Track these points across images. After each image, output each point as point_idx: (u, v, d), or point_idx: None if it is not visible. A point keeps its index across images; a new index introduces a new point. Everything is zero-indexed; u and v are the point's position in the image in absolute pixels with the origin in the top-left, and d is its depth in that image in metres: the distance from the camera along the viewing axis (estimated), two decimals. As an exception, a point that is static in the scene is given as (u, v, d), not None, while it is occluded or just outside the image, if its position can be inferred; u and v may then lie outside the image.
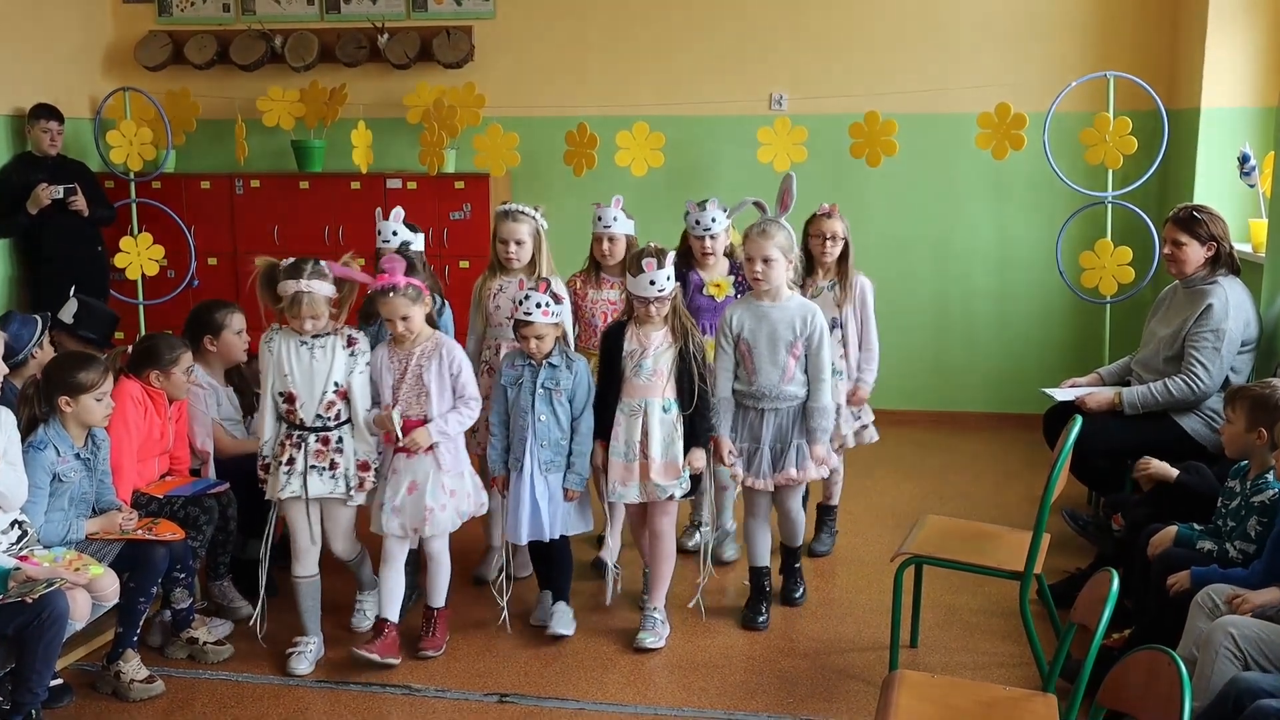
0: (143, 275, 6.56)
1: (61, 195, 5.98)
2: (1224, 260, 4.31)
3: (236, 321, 4.32)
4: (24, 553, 3.33)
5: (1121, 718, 2.48)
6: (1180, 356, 4.29)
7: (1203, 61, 5.81)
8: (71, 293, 4.66)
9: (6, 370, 3.52)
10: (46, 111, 6.12)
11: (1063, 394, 4.63)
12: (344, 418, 3.69)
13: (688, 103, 6.59)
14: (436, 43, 6.71)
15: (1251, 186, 5.27)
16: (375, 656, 3.69)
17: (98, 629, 3.70)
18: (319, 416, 3.65)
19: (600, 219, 4.33)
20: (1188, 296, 4.37)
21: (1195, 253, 4.31)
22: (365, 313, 4.05)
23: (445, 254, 6.34)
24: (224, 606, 4.09)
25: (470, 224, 6.49)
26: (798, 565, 4.27)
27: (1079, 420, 3.42)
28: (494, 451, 3.85)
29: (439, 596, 3.86)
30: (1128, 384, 4.52)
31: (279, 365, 3.64)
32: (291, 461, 3.65)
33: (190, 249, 6.62)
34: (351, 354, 3.68)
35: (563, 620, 3.94)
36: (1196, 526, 3.43)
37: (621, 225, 4.33)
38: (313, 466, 3.65)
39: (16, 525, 3.35)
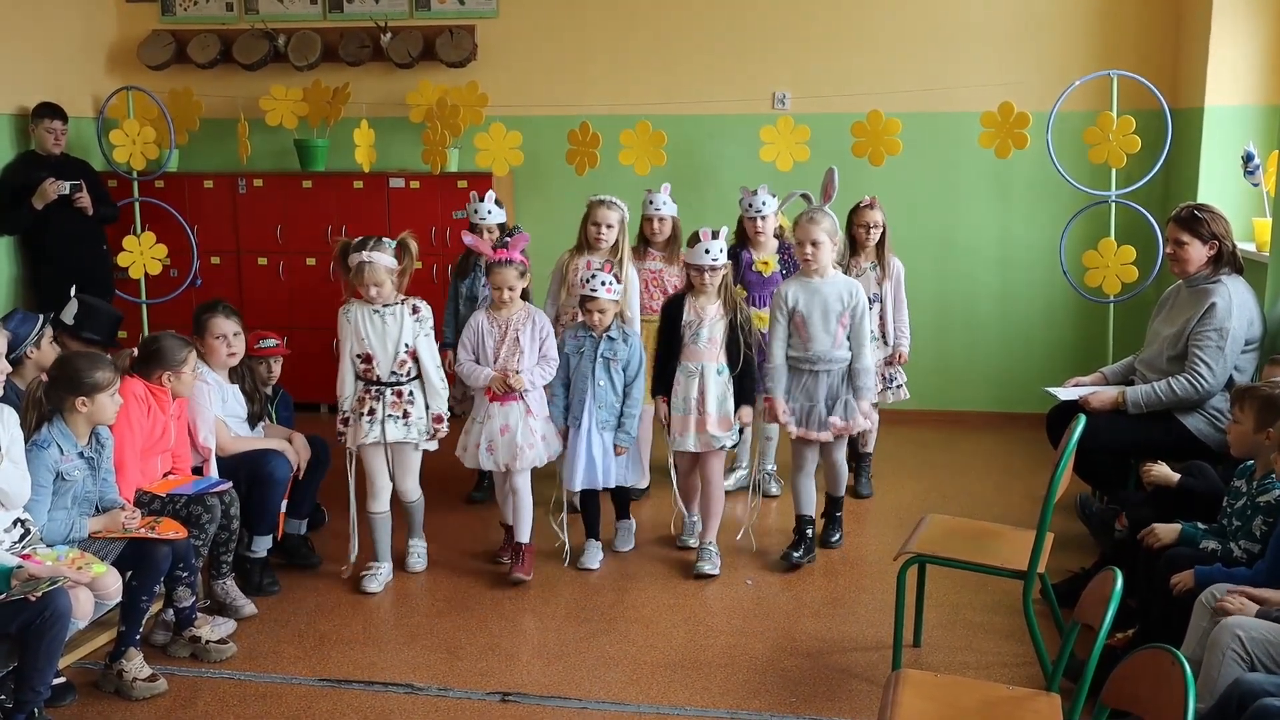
0: (145, 274, 6.57)
1: (68, 191, 5.99)
2: (1227, 259, 4.31)
3: (217, 326, 4.30)
4: (27, 551, 3.33)
5: (1125, 717, 2.48)
6: (1184, 356, 4.28)
7: (1206, 60, 5.81)
8: (72, 293, 4.61)
9: (9, 368, 3.52)
10: (50, 110, 6.13)
11: (1066, 393, 4.62)
12: (414, 374, 4.25)
13: (690, 102, 6.59)
14: (439, 42, 6.72)
15: (1255, 185, 5.27)
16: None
17: (100, 628, 3.70)
18: (393, 373, 4.21)
19: (651, 202, 5.07)
20: (1191, 296, 4.36)
21: (1197, 252, 4.31)
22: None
23: (448, 252, 6.32)
24: (226, 605, 4.08)
25: (472, 223, 6.48)
26: (839, 514, 4.79)
27: (1082, 419, 3.41)
28: (555, 409, 4.46)
29: (524, 532, 4.45)
30: (1131, 383, 4.51)
31: (356, 330, 4.19)
32: (372, 412, 4.21)
33: (193, 248, 6.62)
34: (417, 320, 4.22)
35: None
36: (1201, 526, 3.43)
37: (669, 208, 5.07)
38: (389, 416, 4.21)
39: (19, 524, 3.35)
